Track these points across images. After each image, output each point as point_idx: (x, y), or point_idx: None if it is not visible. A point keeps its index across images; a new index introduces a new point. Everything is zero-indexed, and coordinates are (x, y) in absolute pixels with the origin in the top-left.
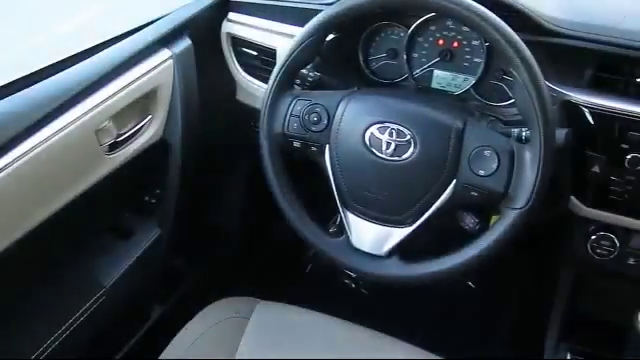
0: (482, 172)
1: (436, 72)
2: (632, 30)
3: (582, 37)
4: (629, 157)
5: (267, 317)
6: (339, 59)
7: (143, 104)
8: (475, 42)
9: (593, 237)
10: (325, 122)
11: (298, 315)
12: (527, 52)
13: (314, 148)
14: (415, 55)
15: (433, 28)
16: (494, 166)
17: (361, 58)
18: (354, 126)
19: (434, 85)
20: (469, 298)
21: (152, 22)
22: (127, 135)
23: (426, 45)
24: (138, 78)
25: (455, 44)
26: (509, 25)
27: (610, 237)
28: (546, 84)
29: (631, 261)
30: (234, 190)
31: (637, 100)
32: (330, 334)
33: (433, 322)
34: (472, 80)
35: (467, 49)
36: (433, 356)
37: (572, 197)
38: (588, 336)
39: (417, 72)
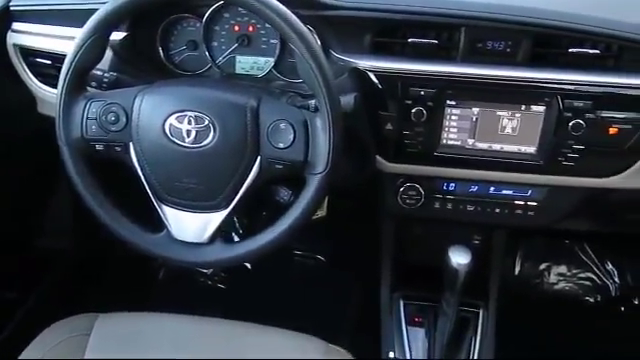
0: (281, 145)
1: (238, 58)
2: None
3: (358, 7)
4: (414, 111)
5: (109, 329)
6: (137, 56)
7: None
8: (268, 24)
9: (401, 189)
10: (124, 120)
11: (142, 321)
12: (301, 26)
13: (118, 148)
14: (215, 44)
15: (227, 15)
16: (291, 137)
17: (161, 53)
18: (152, 119)
19: (239, 71)
20: (320, 269)
21: None
22: None
23: (223, 33)
24: None
25: (250, 28)
26: (286, 3)
27: (415, 187)
28: (333, 54)
29: (437, 205)
30: (59, 208)
31: (412, 59)
32: (178, 333)
33: (292, 301)
34: (272, 61)
35: (262, 32)
36: (290, 334)
37: (377, 156)
38: (417, 281)
39: (220, 60)
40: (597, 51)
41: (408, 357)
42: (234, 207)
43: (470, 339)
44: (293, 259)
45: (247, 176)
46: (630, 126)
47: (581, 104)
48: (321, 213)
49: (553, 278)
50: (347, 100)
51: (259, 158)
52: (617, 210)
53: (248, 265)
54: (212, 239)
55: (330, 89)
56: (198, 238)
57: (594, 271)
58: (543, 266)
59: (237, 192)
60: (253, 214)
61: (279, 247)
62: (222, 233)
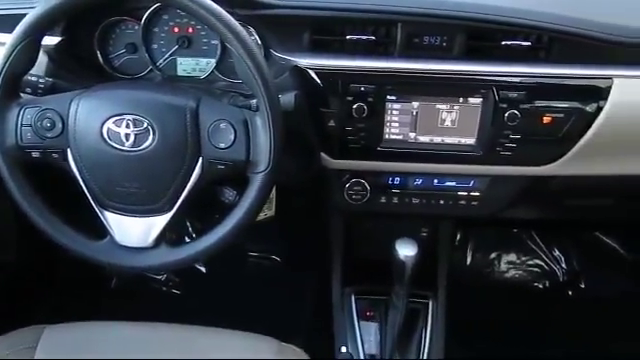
0: (222, 145)
1: (179, 60)
2: None
3: (295, 5)
4: (355, 107)
5: (56, 341)
6: (75, 61)
7: None
8: (204, 25)
9: (347, 185)
10: (60, 126)
11: (90, 330)
12: (237, 26)
13: (55, 155)
14: (154, 46)
15: (166, 17)
16: (232, 137)
17: (100, 57)
18: (89, 124)
19: (180, 73)
20: (276, 270)
21: None
22: None
23: (163, 35)
24: None
25: (190, 30)
26: (224, 4)
27: (361, 182)
28: (274, 53)
29: (383, 200)
30: (1, 218)
31: (351, 56)
32: (127, 340)
33: (248, 303)
34: (213, 62)
35: (202, 33)
36: (243, 335)
37: (322, 153)
38: (369, 276)
39: (161, 63)
40: (528, 43)
41: (361, 351)
42: (177, 210)
43: (421, 330)
44: (248, 261)
45: (189, 178)
46: (563, 115)
47: (515, 95)
48: (269, 212)
49: (503, 266)
50: (287, 98)
51: (201, 159)
52: (557, 197)
53: (202, 269)
54: (157, 243)
55: (269, 88)
56: (142, 243)
57: (542, 258)
58: (493, 255)
59: (180, 194)
60: (205, 216)
61: (225, 247)
62: (171, 236)
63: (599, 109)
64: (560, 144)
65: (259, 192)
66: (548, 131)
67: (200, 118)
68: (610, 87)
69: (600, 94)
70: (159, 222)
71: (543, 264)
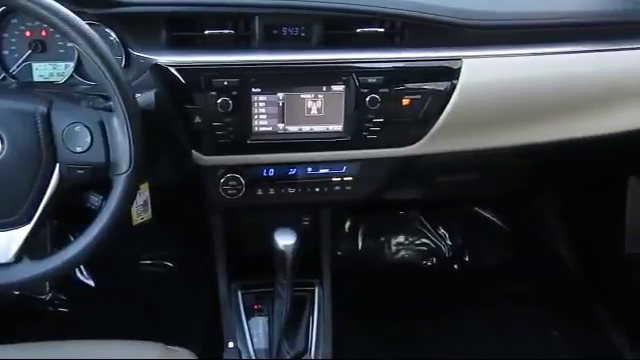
0: (79, 148)
1: (35, 65)
2: None
3: (148, 2)
4: (219, 102)
5: None
6: None
7: None
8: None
9: (222, 180)
10: None
11: None
12: (83, 26)
13: None
14: (5, 52)
15: (15, 21)
16: (88, 140)
17: None
18: None
19: (37, 78)
20: (169, 275)
21: None
22: None
23: (14, 40)
24: None
25: (44, 33)
26: (71, 4)
27: (236, 177)
28: (132, 52)
29: (259, 192)
30: None
31: (212, 51)
32: None
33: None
34: (72, 65)
35: (57, 36)
36: (128, 343)
37: (193, 150)
38: (255, 269)
39: (14, 69)
40: (382, 29)
41: (250, 346)
42: (38, 220)
43: (308, 317)
44: (140, 270)
45: (47, 186)
46: (420, 96)
47: (374, 80)
48: (145, 216)
49: (393, 248)
50: (147, 97)
51: (58, 165)
52: (427, 175)
53: (91, 282)
54: (18, 257)
55: (122, 86)
56: (3, 258)
57: (428, 237)
58: (383, 239)
59: (39, 204)
60: (71, 224)
61: (93, 254)
62: (34, 249)
63: (453, 89)
64: (421, 124)
65: (123, 194)
66: (408, 113)
67: (53, 123)
68: (460, 68)
69: (452, 75)
70: (19, 235)
71: (430, 242)
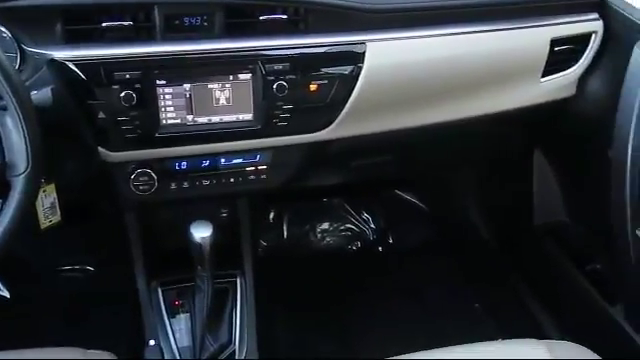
0: None
1: None
2: None
3: None
4: (122, 95)
5: None
6: None
7: None
8: None
9: (132, 176)
10: None
11: None
12: None
13: None
14: None
15: None
16: None
17: None
18: None
19: None
20: (90, 279)
21: None
22: None
23: None
24: None
25: None
26: None
27: (147, 172)
28: (26, 48)
29: (173, 186)
30: None
31: (112, 44)
32: None
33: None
34: None
35: None
36: (45, 351)
37: (99, 147)
38: (175, 265)
39: None
40: (285, 16)
41: (173, 343)
42: None
43: (231, 309)
44: (59, 277)
45: None
46: (327, 81)
47: (280, 67)
48: (54, 218)
49: (318, 236)
50: (43, 94)
51: None
52: (341, 159)
53: (6, 294)
54: None
55: (12, 84)
56: None
57: (352, 222)
58: (308, 227)
59: None
60: None
61: None
62: None
63: (358, 73)
64: (330, 109)
65: (22, 195)
66: (316, 98)
67: None
68: (365, 52)
69: (357, 59)
70: None
71: (354, 227)
